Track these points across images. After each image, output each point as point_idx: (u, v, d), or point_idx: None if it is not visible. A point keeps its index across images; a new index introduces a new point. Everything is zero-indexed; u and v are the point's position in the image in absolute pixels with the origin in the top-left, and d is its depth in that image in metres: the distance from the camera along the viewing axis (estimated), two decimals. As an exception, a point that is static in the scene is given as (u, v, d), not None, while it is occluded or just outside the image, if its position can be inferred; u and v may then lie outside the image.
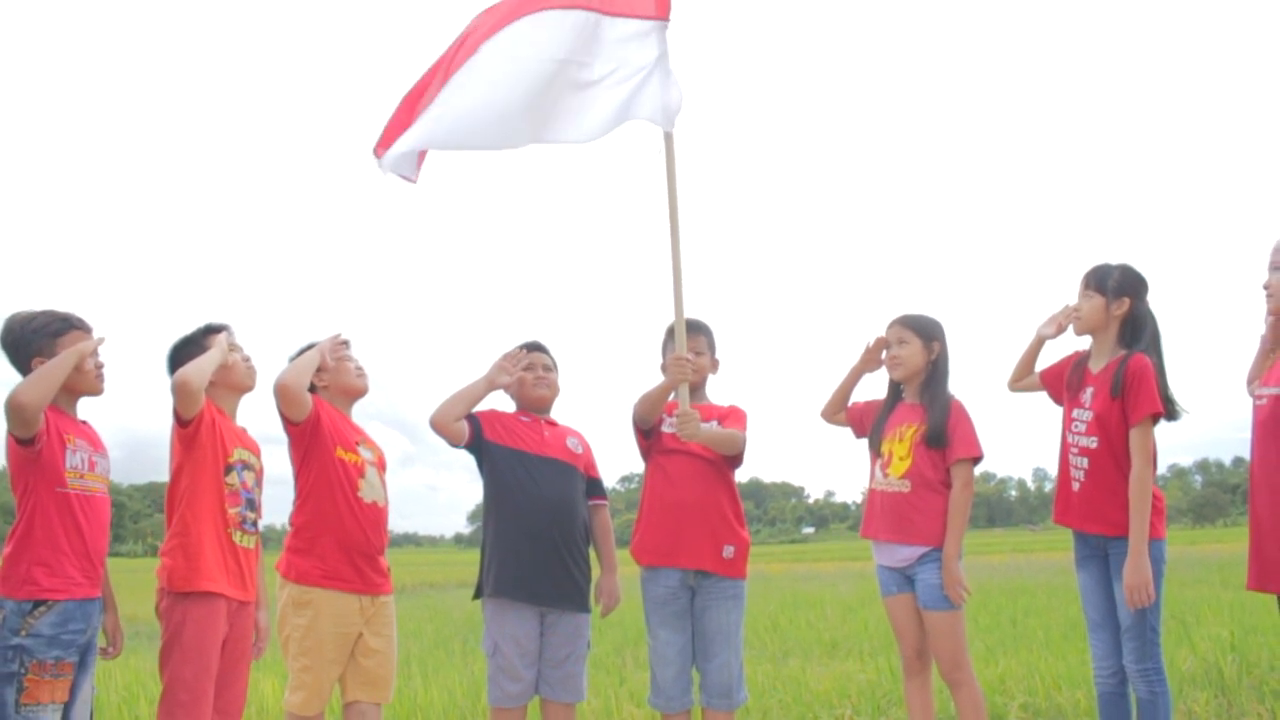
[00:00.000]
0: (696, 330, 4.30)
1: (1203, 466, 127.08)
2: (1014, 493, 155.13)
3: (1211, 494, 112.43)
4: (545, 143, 4.21)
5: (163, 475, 3.86)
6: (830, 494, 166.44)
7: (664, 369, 4.33)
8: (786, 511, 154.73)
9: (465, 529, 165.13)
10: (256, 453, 3.97)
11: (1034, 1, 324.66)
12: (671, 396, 4.18)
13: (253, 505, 3.87)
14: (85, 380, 3.47)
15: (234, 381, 3.90)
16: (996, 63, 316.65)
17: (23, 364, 3.43)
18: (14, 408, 3.20)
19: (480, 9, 4.36)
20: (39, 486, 3.31)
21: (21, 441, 3.26)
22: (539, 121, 4.16)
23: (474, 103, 4.13)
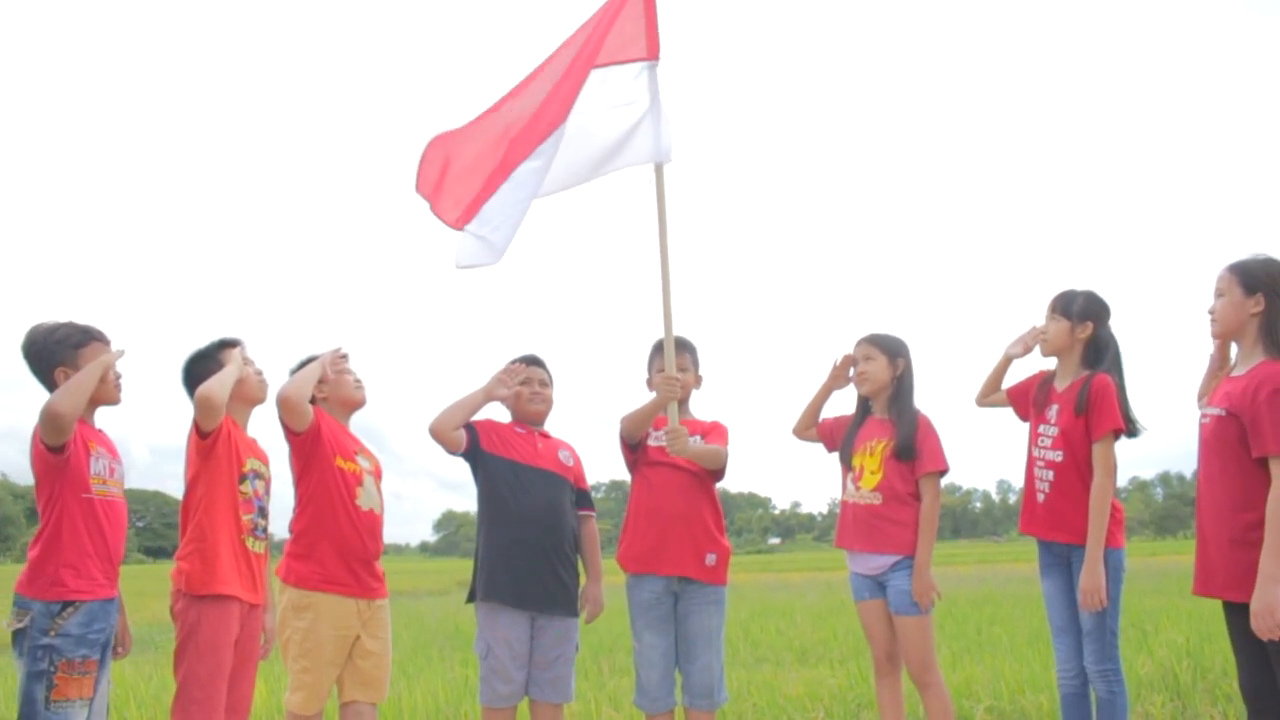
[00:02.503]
0: (682, 348, 4.50)
1: (1164, 479, 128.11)
2: (979, 504, 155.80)
3: (1172, 506, 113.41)
4: (549, 194, 4.46)
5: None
6: (796, 505, 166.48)
7: (650, 384, 4.54)
8: (753, 522, 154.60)
9: (431, 537, 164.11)
10: (266, 462, 4.13)
11: (997, 32, 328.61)
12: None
13: (263, 512, 4.03)
14: (106, 390, 3.62)
15: (247, 394, 4.05)
16: (965, 92, 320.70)
17: (45, 374, 3.59)
18: (51, 417, 3.35)
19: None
20: (65, 492, 3.46)
21: (52, 449, 3.42)
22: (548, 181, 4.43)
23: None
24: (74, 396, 3.42)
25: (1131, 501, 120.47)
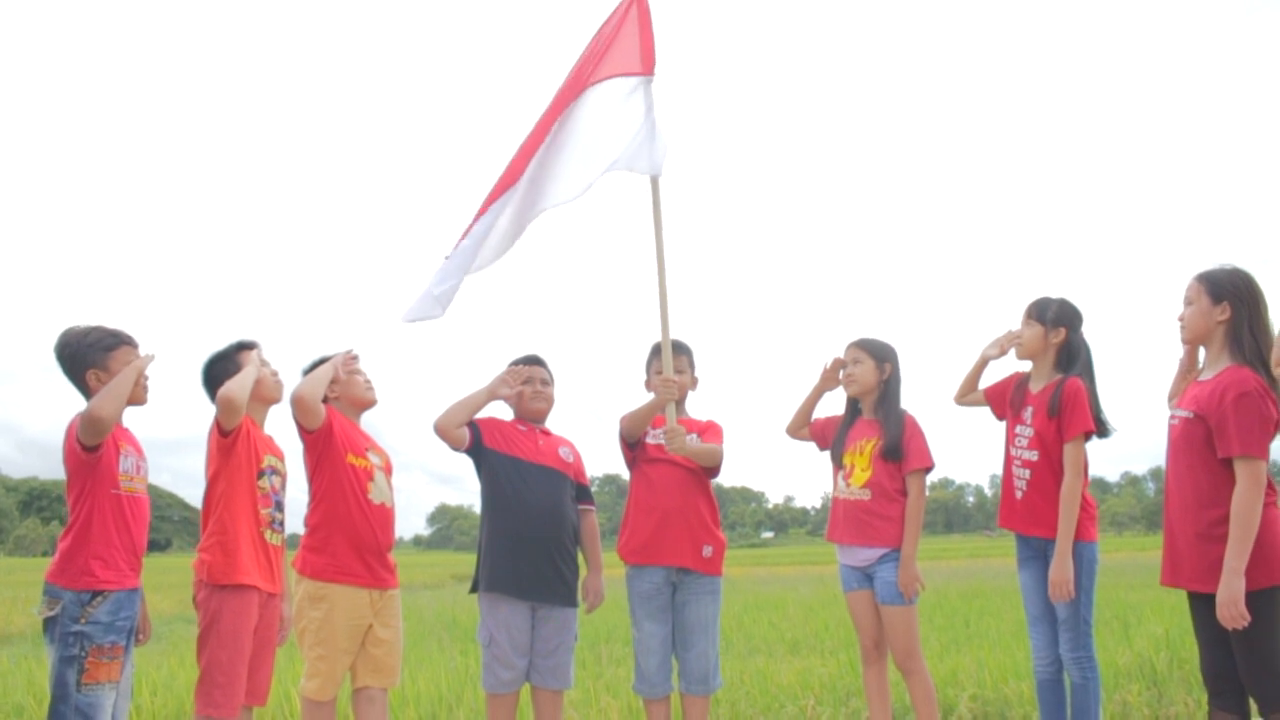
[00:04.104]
0: (679, 351, 4.67)
1: (1156, 474, 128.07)
2: (971, 499, 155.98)
3: (1164, 501, 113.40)
4: (544, 209, 4.63)
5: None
6: (789, 499, 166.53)
7: (649, 385, 4.73)
8: (746, 516, 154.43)
9: (425, 531, 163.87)
10: (282, 458, 4.31)
11: (979, 48, 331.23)
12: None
13: (280, 506, 4.22)
14: (136, 392, 3.79)
15: (264, 394, 4.22)
16: (947, 106, 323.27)
17: (78, 375, 3.78)
18: (93, 420, 3.55)
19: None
20: (96, 489, 3.65)
21: (87, 448, 3.61)
22: (538, 193, 4.61)
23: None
24: (116, 401, 3.61)
25: (1124, 497, 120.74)
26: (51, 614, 3.56)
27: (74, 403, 3.80)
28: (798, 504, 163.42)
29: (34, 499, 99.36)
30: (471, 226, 4.63)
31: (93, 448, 3.61)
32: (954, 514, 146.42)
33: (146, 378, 3.86)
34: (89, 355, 3.77)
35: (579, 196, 4.56)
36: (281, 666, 6.99)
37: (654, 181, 4.56)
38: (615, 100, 4.65)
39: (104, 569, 3.62)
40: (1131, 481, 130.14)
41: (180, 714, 6.36)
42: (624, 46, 4.67)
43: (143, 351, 3.87)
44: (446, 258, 4.62)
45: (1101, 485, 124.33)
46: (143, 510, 3.84)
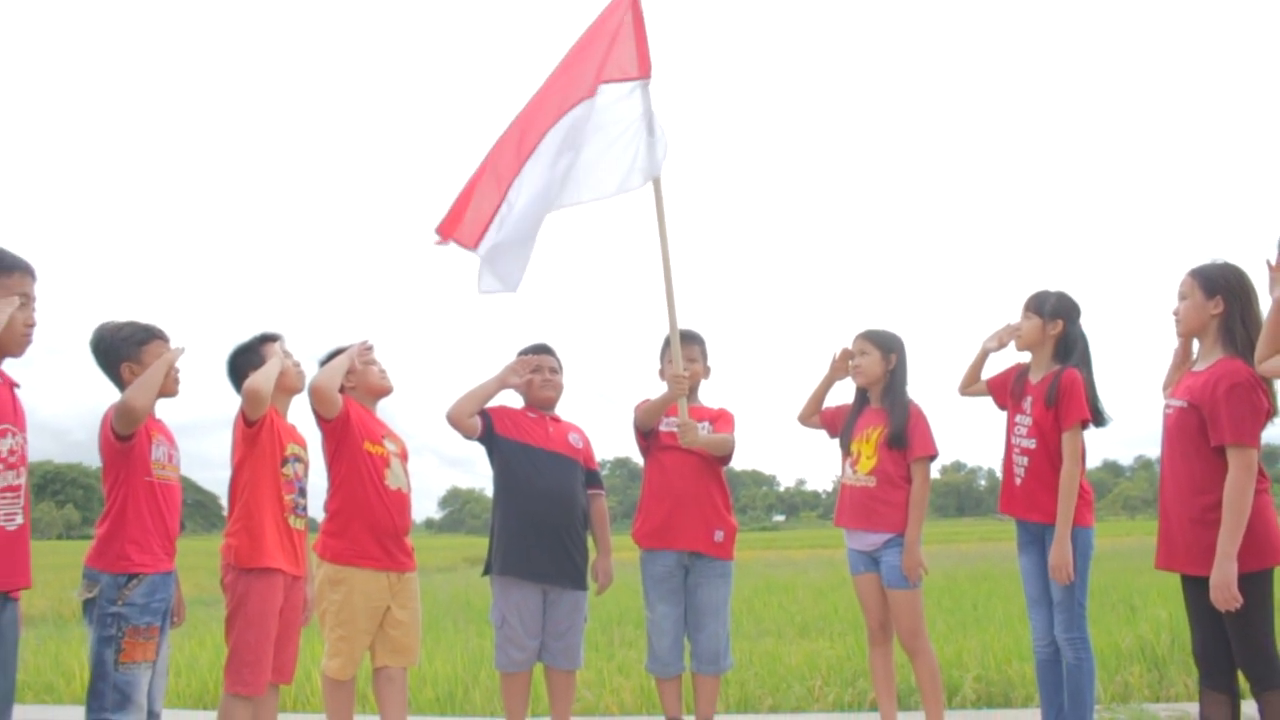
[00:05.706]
0: (691, 341, 4.82)
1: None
2: (984, 482, 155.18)
3: (1159, 488, 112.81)
4: (555, 208, 4.75)
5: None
6: (801, 482, 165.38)
7: (662, 375, 4.86)
8: (757, 499, 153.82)
9: (436, 514, 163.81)
10: (304, 446, 4.44)
11: (981, 40, 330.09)
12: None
13: (303, 492, 4.35)
14: (167, 384, 3.92)
15: (287, 384, 4.34)
16: (950, 100, 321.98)
17: (112, 368, 3.92)
18: (127, 411, 3.69)
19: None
20: (130, 476, 3.80)
21: (121, 438, 3.75)
22: (549, 190, 4.71)
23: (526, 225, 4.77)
24: (149, 393, 3.75)
25: (1136, 480, 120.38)
26: (90, 596, 3.71)
27: (88, 387, 3.97)
28: (809, 487, 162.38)
29: (48, 482, 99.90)
30: (505, 194, 4.77)
31: (127, 437, 3.75)
32: (965, 497, 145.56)
33: (177, 370, 3.99)
34: (123, 349, 3.91)
35: (584, 203, 4.72)
36: (303, 647, 7.17)
37: (655, 182, 4.68)
38: (616, 106, 4.75)
39: (139, 553, 3.76)
40: (1144, 465, 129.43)
41: (204, 693, 6.54)
42: (622, 49, 4.76)
43: (173, 345, 4.00)
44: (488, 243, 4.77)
45: (1114, 469, 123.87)
46: (175, 496, 3.98)
